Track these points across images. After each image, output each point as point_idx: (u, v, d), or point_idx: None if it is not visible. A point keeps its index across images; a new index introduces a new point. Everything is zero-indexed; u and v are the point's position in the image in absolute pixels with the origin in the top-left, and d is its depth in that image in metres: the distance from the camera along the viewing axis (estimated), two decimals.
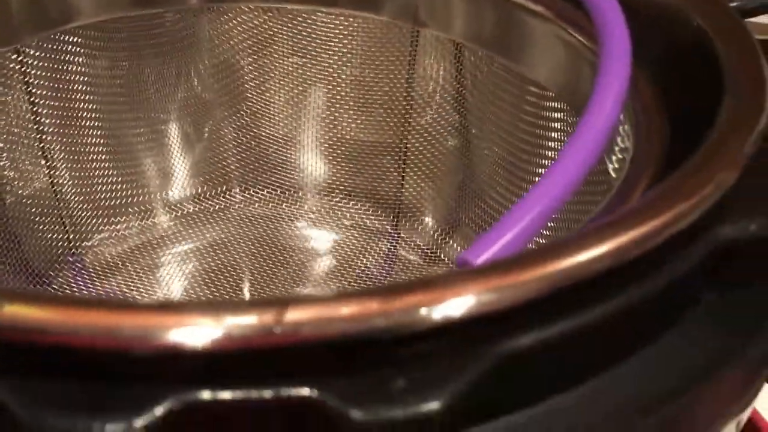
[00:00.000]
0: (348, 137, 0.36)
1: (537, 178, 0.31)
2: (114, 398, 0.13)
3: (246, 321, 0.13)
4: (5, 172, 0.32)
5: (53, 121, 0.32)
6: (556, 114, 0.28)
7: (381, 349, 0.13)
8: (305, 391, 0.13)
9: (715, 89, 0.20)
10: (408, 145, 0.36)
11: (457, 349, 0.14)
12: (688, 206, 0.15)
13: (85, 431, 0.12)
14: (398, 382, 0.13)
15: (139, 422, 0.13)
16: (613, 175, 0.23)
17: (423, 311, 0.13)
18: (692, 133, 0.20)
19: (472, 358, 0.14)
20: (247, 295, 0.34)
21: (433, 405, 0.13)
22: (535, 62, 0.27)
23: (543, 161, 0.30)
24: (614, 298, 0.15)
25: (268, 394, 0.13)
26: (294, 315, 0.13)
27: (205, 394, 0.13)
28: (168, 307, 0.13)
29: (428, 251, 0.36)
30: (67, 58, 0.31)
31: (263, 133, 0.37)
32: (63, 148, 0.33)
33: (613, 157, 0.23)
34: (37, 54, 0.31)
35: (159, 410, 0.13)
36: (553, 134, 0.29)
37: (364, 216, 0.37)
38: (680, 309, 0.17)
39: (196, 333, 0.12)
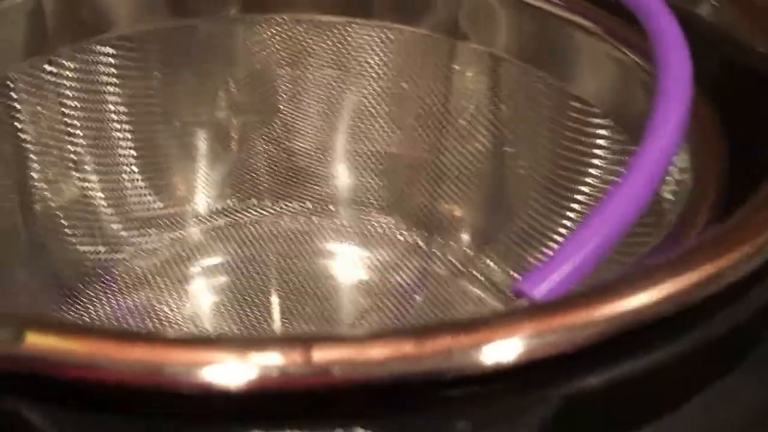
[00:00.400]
0: (382, 151, 0.36)
1: (578, 196, 0.30)
2: None
3: (272, 361, 0.12)
4: (36, 183, 0.32)
5: (85, 132, 0.32)
6: (600, 131, 0.27)
7: (425, 391, 0.13)
8: None
9: None
10: (443, 160, 0.35)
11: (515, 393, 0.13)
12: (754, 248, 0.15)
13: None
14: (455, 426, 0.12)
15: None
16: (668, 204, 0.22)
17: (460, 356, 0.12)
18: (754, 162, 0.19)
19: (533, 402, 0.13)
20: (276, 312, 0.33)
21: None
22: (583, 79, 0.26)
23: (585, 179, 0.29)
24: (677, 340, 0.14)
25: None
26: (321, 355, 0.12)
27: None
28: (191, 342, 0.12)
29: (461, 267, 0.36)
30: (99, 69, 0.31)
31: (295, 146, 0.36)
32: (94, 159, 0.32)
33: (670, 184, 0.22)
34: (71, 65, 0.30)
35: None
36: (597, 151, 0.28)
37: (396, 231, 0.37)
38: (744, 350, 0.16)
39: (223, 372, 0.12)
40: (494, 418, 0.13)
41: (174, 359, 0.12)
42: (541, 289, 0.15)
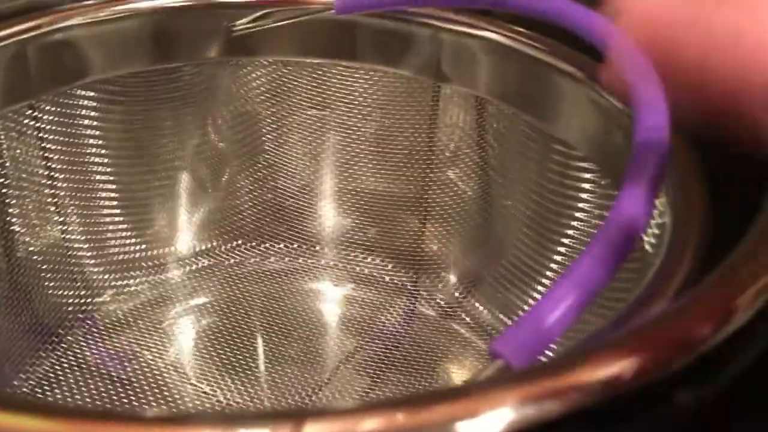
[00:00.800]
0: (367, 190, 0.35)
1: (564, 239, 0.30)
2: None
3: None
4: (16, 228, 0.31)
5: (66, 176, 0.32)
6: (584, 174, 0.27)
7: None
8: None
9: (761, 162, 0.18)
10: (429, 200, 0.35)
11: None
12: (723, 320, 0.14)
13: None
14: None
15: None
16: (650, 250, 0.22)
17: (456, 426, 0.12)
18: (736, 205, 0.18)
19: None
20: (261, 355, 0.33)
21: None
22: (564, 122, 0.26)
23: (571, 222, 0.29)
24: (660, 405, 0.14)
25: None
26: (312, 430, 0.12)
27: None
28: (174, 420, 0.12)
29: (448, 308, 0.35)
30: (80, 113, 0.31)
31: (280, 186, 0.36)
32: (75, 203, 0.32)
33: (650, 231, 0.22)
34: (51, 109, 0.30)
35: None
36: (582, 195, 0.28)
37: (383, 271, 0.36)
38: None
39: None
40: None
41: None
42: (515, 350, 0.14)
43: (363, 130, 0.35)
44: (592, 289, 0.15)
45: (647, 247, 0.23)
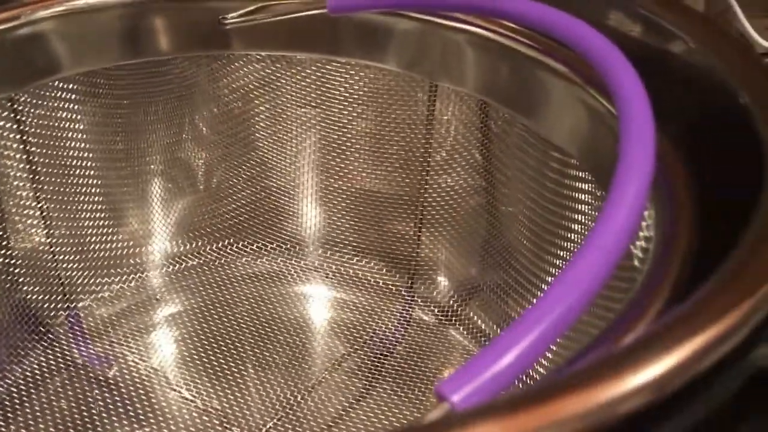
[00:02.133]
0: (362, 191, 0.34)
1: (565, 244, 0.28)
2: None
3: None
4: (4, 224, 0.31)
5: (48, 177, 0.31)
6: (581, 185, 0.26)
7: None
8: None
9: (753, 170, 0.17)
10: (425, 203, 0.33)
11: None
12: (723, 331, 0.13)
13: None
14: None
15: None
16: (637, 264, 0.20)
17: None
18: (726, 212, 0.17)
19: None
20: (248, 361, 0.32)
21: None
22: (554, 123, 0.25)
23: (569, 234, 0.27)
24: None
25: None
26: None
27: None
28: None
29: (444, 313, 0.34)
30: (62, 106, 0.30)
31: (272, 185, 0.35)
32: (57, 205, 0.31)
33: (638, 245, 0.20)
34: (32, 101, 0.29)
35: None
36: (579, 206, 0.26)
37: (377, 275, 0.35)
38: None
39: None
40: None
41: None
42: (462, 394, 0.13)
43: (357, 129, 0.33)
44: (559, 323, 0.14)
45: (635, 260, 0.21)
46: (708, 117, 0.21)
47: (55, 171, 0.30)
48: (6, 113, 0.29)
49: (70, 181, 0.31)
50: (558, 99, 0.24)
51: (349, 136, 0.33)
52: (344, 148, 0.34)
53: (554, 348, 0.24)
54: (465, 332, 0.33)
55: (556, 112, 0.24)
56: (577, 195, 0.26)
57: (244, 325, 0.33)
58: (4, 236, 0.30)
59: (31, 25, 0.26)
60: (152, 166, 0.33)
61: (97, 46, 0.28)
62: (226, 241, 0.36)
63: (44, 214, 0.31)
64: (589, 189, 0.25)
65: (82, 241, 0.32)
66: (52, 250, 0.31)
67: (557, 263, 0.28)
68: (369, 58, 0.30)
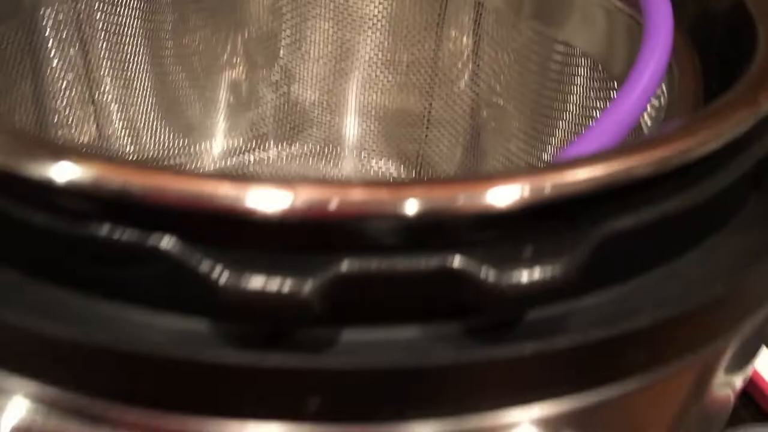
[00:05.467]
0: (379, 99, 0.38)
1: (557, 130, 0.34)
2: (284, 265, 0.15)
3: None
4: (54, 123, 0.33)
5: (105, 72, 0.34)
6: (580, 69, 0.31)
7: (509, 222, 0.16)
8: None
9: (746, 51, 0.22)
10: (433, 105, 0.38)
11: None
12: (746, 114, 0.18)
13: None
14: (527, 250, 0.15)
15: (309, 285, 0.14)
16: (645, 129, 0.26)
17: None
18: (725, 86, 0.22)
19: (582, 236, 0.16)
20: None
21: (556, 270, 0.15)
22: (572, 27, 0.30)
23: (560, 121, 0.32)
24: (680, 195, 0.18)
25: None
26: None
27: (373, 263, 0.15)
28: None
29: None
30: (121, 11, 0.33)
31: (297, 92, 0.39)
32: (112, 99, 0.34)
33: (646, 115, 0.26)
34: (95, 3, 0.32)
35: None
36: (574, 88, 0.31)
37: (392, 172, 0.40)
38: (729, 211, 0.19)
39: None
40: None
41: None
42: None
43: (375, 41, 0.38)
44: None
45: (643, 127, 0.27)
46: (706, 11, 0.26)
47: (111, 64, 0.33)
48: (69, 14, 0.31)
49: (124, 75, 0.34)
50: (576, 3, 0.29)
51: (368, 47, 0.38)
52: (367, 58, 0.38)
53: None
54: None
55: (577, 17, 0.29)
56: (574, 79, 0.31)
57: None
58: (60, 129, 0.33)
59: None
60: (201, 71, 0.36)
61: None
62: (259, 142, 0.39)
63: (96, 107, 0.34)
64: (587, 74, 0.31)
65: (133, 132, 0.35)
66: (102, 144, 0.34)
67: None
68: None
